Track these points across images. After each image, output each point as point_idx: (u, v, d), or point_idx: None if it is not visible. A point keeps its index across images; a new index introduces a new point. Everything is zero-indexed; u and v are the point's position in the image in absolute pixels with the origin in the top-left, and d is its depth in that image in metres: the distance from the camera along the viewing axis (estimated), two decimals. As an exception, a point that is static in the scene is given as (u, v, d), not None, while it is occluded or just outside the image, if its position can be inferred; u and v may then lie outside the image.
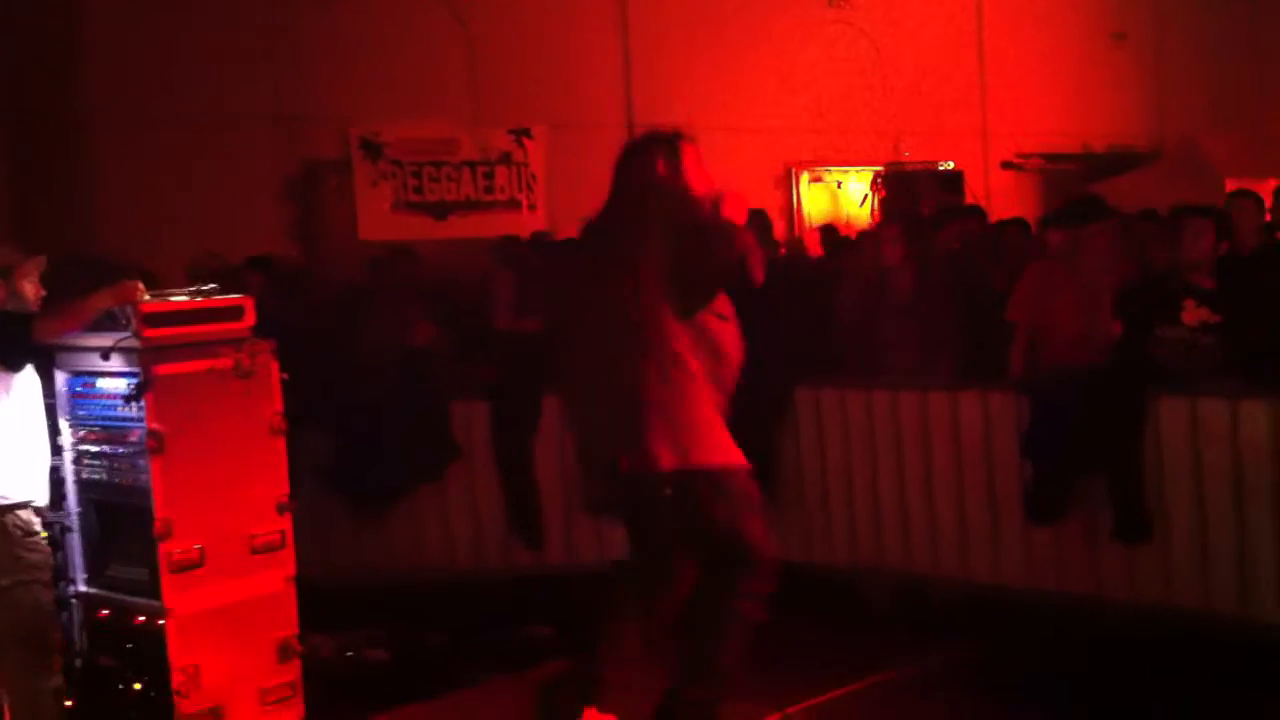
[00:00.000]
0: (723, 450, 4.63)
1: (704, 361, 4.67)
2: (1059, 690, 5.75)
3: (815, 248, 11.96)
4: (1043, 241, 7.33)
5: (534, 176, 12.24)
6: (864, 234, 9.67)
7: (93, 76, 10.29)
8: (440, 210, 11.96)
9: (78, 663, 5.23)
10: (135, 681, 5.04)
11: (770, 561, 4.66)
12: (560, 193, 11.89)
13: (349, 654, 6.63)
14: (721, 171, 4.92)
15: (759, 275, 4.64)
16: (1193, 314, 6.27)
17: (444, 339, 8.25)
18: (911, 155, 14.51)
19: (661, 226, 4.59)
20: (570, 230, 6.80)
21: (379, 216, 11.57)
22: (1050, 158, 16.39)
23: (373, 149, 11.57)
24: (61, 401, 5.25)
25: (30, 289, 5.07)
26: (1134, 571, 6.17)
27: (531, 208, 12.29)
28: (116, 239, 9.74)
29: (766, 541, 4.65)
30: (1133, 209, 9.84)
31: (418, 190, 11.87)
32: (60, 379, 5.25)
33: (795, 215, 14.61)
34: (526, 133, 12.28)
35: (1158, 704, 5.51)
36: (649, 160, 4.73)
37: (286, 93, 11.21)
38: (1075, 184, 15.17)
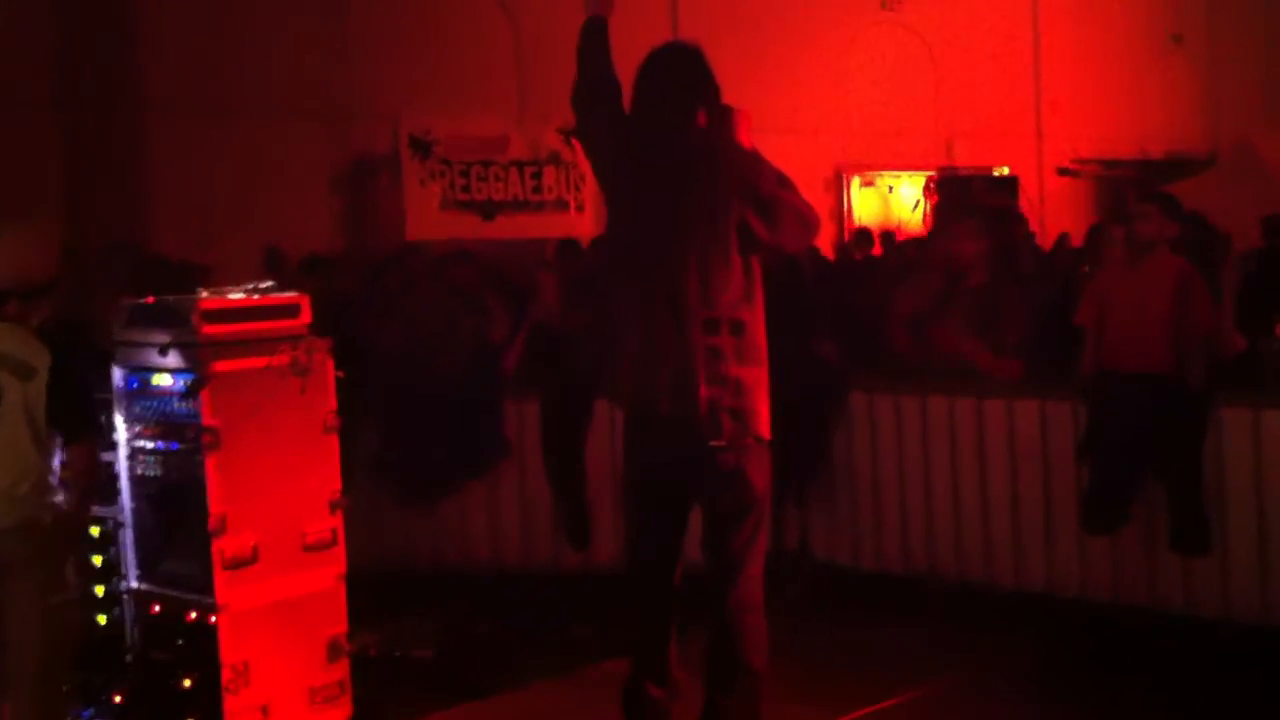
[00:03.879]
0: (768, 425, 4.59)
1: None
2: (1110, 700, 5.67)
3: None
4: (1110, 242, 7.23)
5: (582, 177, 12.18)
6: (933, 230, 9.58)
7: (147, 69, 10.40)
8: (488, 210, 11.95)
9: (129, 658, 5.25)
10: (186, 677, 5.04)
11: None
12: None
13: (396, 654, 6.62)
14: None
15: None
16: None
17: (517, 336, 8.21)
18: (965, 160, 14.38)
19: (737, 193, 4.51)
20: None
21: (427, 215, 11.58)
22: (1107, 163, 16.22)
23: (422, 146, 11.56)
24: (118, 397, 5.26)
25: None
26: (1190, 584, 6.08)
27: (579, 209, 12.25)
28: (167, 231, 9.88)
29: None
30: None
31: (465, 189, 11.86)
32: (117, 375, 5.24)
33: (845, 219, 14.52)
34: (575, 132, 12.24)
35: (1211, 717, 5.43)
36: (717, 118, 4.63)
37: (339, 88, 11.28)
38: (1131, 190, 15.02)
